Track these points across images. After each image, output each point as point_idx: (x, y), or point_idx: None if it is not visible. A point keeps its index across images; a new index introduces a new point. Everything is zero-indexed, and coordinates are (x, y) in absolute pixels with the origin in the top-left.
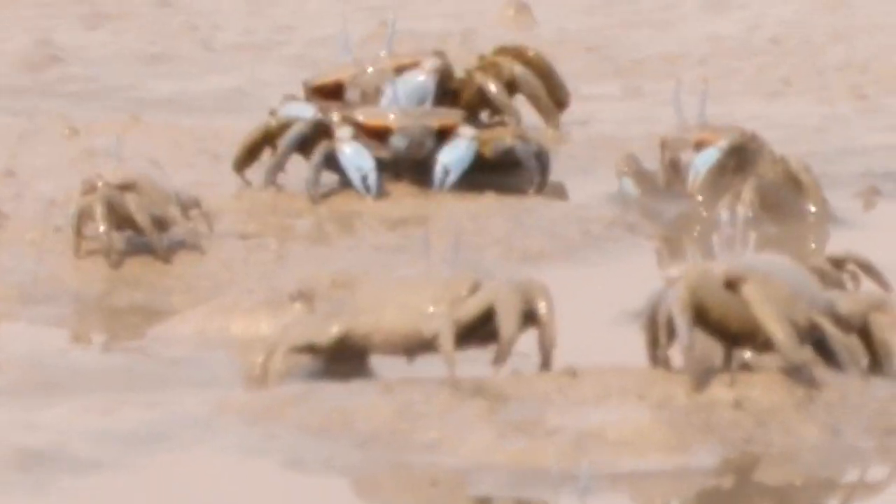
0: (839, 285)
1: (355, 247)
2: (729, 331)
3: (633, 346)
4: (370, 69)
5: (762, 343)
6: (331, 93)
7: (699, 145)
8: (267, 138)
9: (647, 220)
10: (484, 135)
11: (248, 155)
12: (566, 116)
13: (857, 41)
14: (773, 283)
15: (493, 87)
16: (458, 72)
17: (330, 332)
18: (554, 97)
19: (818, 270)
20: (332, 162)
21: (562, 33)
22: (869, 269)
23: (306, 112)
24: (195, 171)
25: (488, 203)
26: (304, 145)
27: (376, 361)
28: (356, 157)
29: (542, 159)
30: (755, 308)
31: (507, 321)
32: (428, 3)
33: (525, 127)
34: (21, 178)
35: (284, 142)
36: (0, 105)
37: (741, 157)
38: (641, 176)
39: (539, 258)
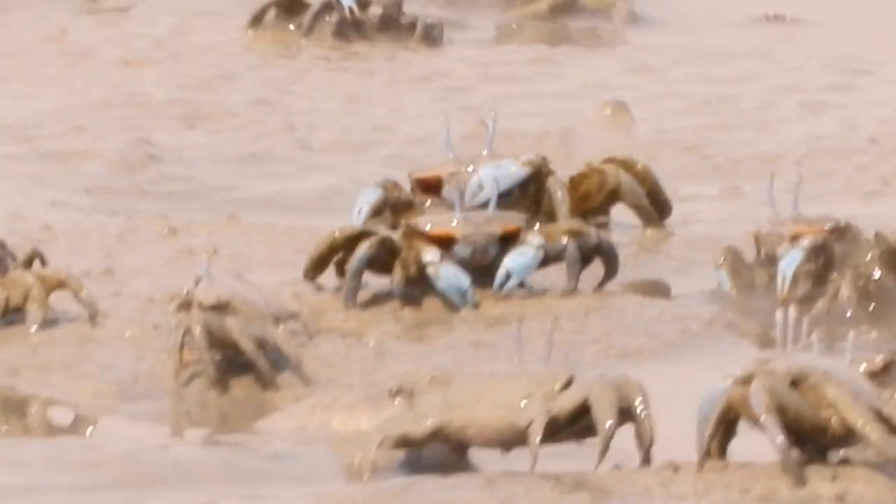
0: None
1: (454, 344)
2: (802, 428)
3: (735, 442)
4: (470, 167)
5: (832, 439)
6: (430, 187)
7: (795, 239)
8: (333, 250)
9: (744, 318)
10: (545, 233)
11: (317, 266)
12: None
13: None
14: (835, 382)
15: (559, 194)
16: (560, 173)
17: (425, 425)
18: (657, 209)
19: None
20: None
21: (660, 133)
22: None
23: (373, 196)
24: (293, 269)
25: (586, 301)
26: (374, 261)
27: (476, 454)
28: (454, 279)
29: (606, 253)
30: (842, 405)
31: (603, 415)
32: (525, 102)
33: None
34: (119, 276)
35: (352, 265)
36: (99, 205)
37: (828, 253)
38: (738, 269)
39: (638, 356)
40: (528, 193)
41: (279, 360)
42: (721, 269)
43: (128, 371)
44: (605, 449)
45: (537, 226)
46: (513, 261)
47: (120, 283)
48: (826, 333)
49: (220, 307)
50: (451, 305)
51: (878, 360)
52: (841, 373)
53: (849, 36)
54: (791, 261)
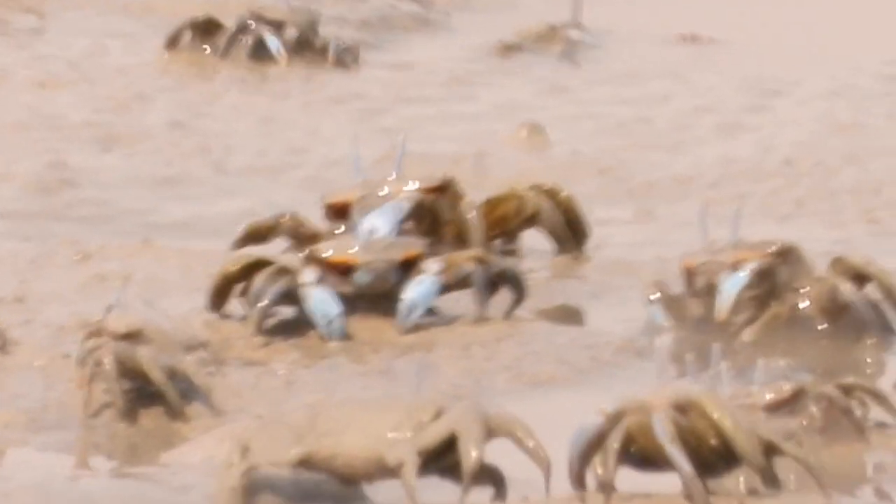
0: (847, 412)
1: (364, 373)
2: (698, 457)
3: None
4: (379, 191)
5: (721, 466)
6: (340, 212)
7: (737, 266)
8: (232, 280)
9: (668, 346)
10: (446, 261)
11: (219, 296)
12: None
13: (870, 164)
14: (720, 406)
15: (471, 215)
16: (475, 195)
17: (291, 454)
18: (575, 237)
19: (826, 395)
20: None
21: (575, 155)
22: (878, 397)
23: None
24: (206, 295)
25: (498, 328)
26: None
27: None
28: (322, 303)
29: (512, 279)
30: (725, 426)
31: (468, 450)
32: (441, 124)
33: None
34: (30, 303)
35: (251, 297)
36: (11, 229)
37: (773, 279)
38: (670, 301)
39: (549, 383)
40: (423, 223)
41: (189, 391)
42: (653, 306)
43: (37, 400)
44: (468, 484)
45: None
46: (411, 292)
47: (31, 310)
48: (736, 361)
49: (132, 336)
50: (363, 331)
51: (787, 388)
52: (720, 399)
53: (764, 57)
54: (735, 282)
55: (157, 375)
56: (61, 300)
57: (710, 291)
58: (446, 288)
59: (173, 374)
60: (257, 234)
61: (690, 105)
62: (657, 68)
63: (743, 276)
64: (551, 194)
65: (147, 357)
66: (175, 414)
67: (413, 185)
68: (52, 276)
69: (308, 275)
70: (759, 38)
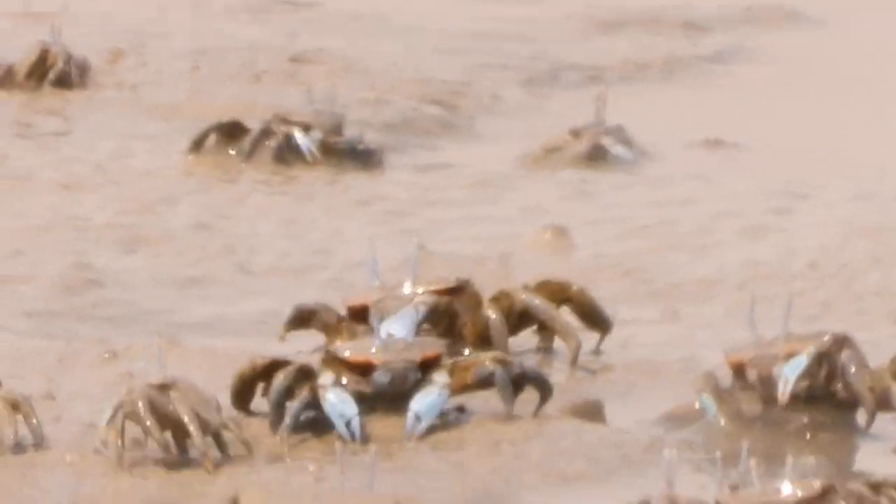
0: None
1: (395, 469)
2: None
3: None
4: (395, 294)
5: None
6: (359, 314)
7: (789, 357)
8: (252, 381)
9: (685, 442)
10: (465, 361)
11: (241, 397)
12: (605, 340)
13: (895, 266)
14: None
15: (493, 316)
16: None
17: None
18: (596, 326)
19: (856, 493)
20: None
21: (599, 258)
22: None
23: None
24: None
25: (526, 426)
26: (295, 390)
27: None
28: (339, 404)
29: (535, 379)
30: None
31: None
32: (464, 226)
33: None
34: (60, 401)
35: (271, 397)
36: (39, 329)
37: (832, 363)
38: (722, 395)
39: (577, 481)
40: (440, 324)
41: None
42: (705, 396)
43: (67, 497)
44: None
45: (467, 351)
46: (419, 403)
47: (60, 408)
48: (765, 458)
49: (164, 387)
50: (397, 431)
51: (816, 486)
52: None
53: (788, 160)
54: (796, 366)
55: (188, 416)
56: (90, 398)
57: (763, 384)
58: (468, 388)
59: (206, 427)
60: (302, 318)
61: (715, 208)
62: (682, 172)
63: (803, 359)
64: (562, 289)
65: (178, 401)
66: (209, 462)
67: (428, 288)
68: (80, 375)
69: (325, 377)
70: (783, 142)
